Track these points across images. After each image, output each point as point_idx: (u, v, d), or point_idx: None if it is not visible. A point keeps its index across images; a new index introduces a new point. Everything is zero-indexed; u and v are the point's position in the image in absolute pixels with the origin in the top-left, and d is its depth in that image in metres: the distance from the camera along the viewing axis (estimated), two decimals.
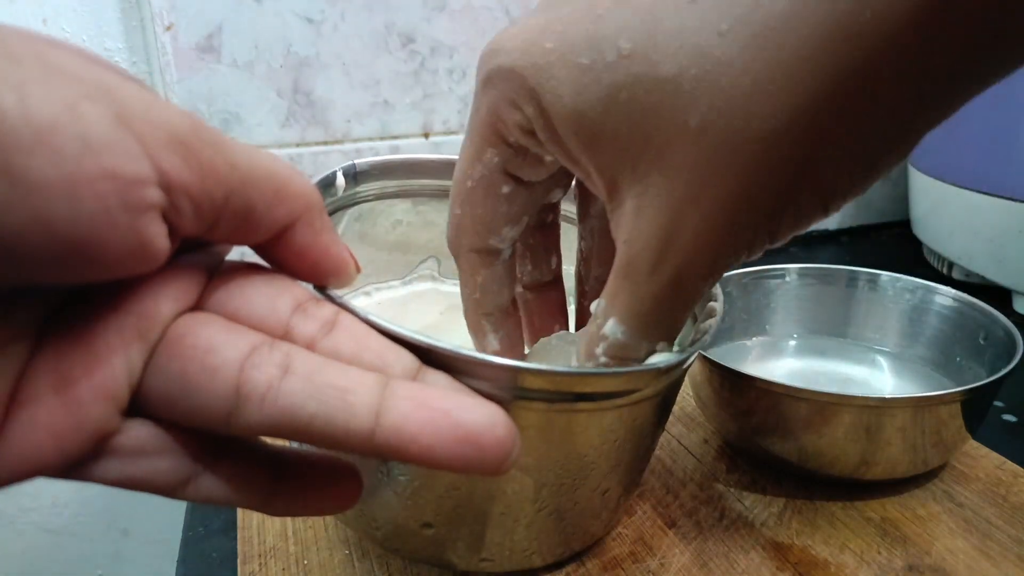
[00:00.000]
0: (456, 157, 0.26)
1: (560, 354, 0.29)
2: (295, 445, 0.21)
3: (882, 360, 0.43)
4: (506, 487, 0.25)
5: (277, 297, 0.19)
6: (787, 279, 0.45)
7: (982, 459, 0.38)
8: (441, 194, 0.36)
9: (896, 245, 0.73)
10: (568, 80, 0.21)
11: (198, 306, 0.19)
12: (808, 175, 0.20)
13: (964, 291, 0.41)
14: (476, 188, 0.25)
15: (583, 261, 0.31)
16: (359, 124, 0.59)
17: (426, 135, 0.62)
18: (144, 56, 0.59)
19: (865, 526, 0.34)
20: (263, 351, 0.17)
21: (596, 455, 0.26)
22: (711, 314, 0.29)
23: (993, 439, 0.39)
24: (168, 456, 0.18)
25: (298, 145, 0.58)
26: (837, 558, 0.32)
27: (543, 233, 0.30)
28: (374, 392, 0.17)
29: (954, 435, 0.34)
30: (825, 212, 0.21)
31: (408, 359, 0.20)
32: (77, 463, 0.17)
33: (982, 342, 0.39)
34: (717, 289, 0.31)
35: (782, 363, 0.44)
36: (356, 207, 0.34)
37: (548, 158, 0.24)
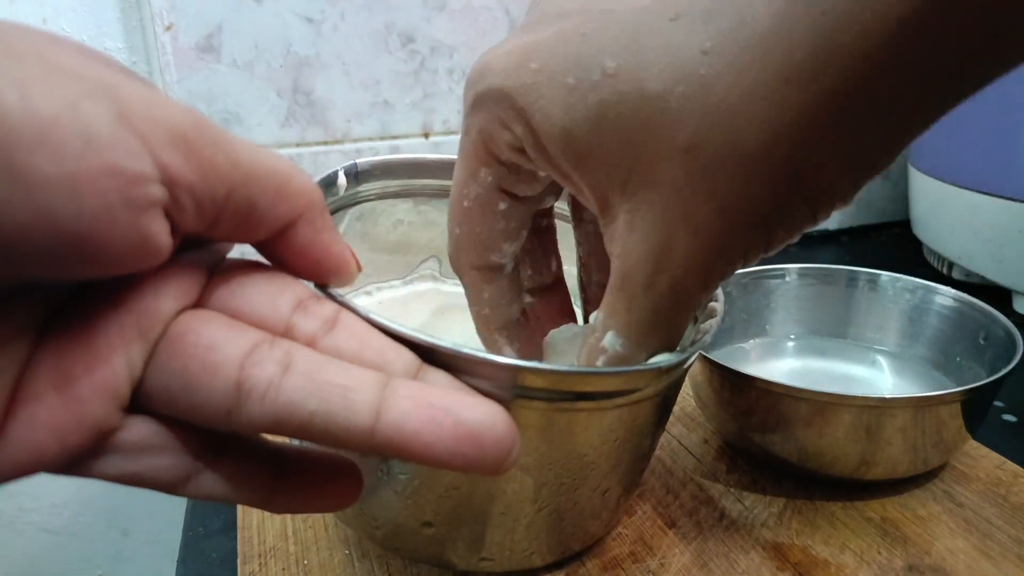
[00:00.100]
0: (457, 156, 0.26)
1: (572, 346, 0.29)
2: (295, 443, 0.21)
3: (882, 360, 0.43)
4: (506, 486, 0.25)
5: (278, 295, 0.19)
6: (787, 279, 0.45)
7: (982, 459, 0.38)
8: (442, 194, 0.36)
9: (896, 245, 0.73)
10: (555, 100, 0.21)
11: (199, 304, 0.19)
12: (799, 186, 0.20)
13: (964, 291, 0.41)
14: (472, 207, 0.26)
15: (583, 267, 0.31)
16: (359, 124, 0.59)
17: (426, 135, 0.62)
18: (144, 56, 0.59)
19: (865, 526, 0.34)
20: (264, 348, 0.18)
21: (596, 455, 0.26)
22: (711, 314, 0.29)
23: (993, 439, 0.39)
24: (169, 453, 0.18)
25: (298, 145, 0.58)
26: (837, 558, 0.32)
27: (539, 238, 0.30)
28: (375, 390, 0.17)
29: (954, 435, 0.34)
30: (815, 220, 0.21)
31: (409, 358, 0.20)
32: (78, 459, 0.17)
33: (982, 342, 0.39)
34: (717, 289, 0.31)
35: (782, 363, 0.44)
36: (357, 206, 0.34)
37: (542, 173, 0.24)
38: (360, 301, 0.36)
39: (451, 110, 0.62)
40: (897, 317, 0.43)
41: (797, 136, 0.19)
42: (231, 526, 0.35)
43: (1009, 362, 0.35)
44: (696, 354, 0.27)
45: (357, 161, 0.32)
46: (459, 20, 0.59)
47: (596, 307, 0.25)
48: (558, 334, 0.29)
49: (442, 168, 0.35)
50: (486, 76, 0.23)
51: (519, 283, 0.29)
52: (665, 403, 0.28)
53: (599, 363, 0.24)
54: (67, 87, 0.14)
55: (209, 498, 0.19)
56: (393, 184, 0.35)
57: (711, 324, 0.28)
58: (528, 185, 0.25)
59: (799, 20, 0.18)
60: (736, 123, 0.19)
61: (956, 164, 0.57)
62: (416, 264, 0.38)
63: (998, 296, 0.55)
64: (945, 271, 0.61)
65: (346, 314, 0.20)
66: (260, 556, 0.33)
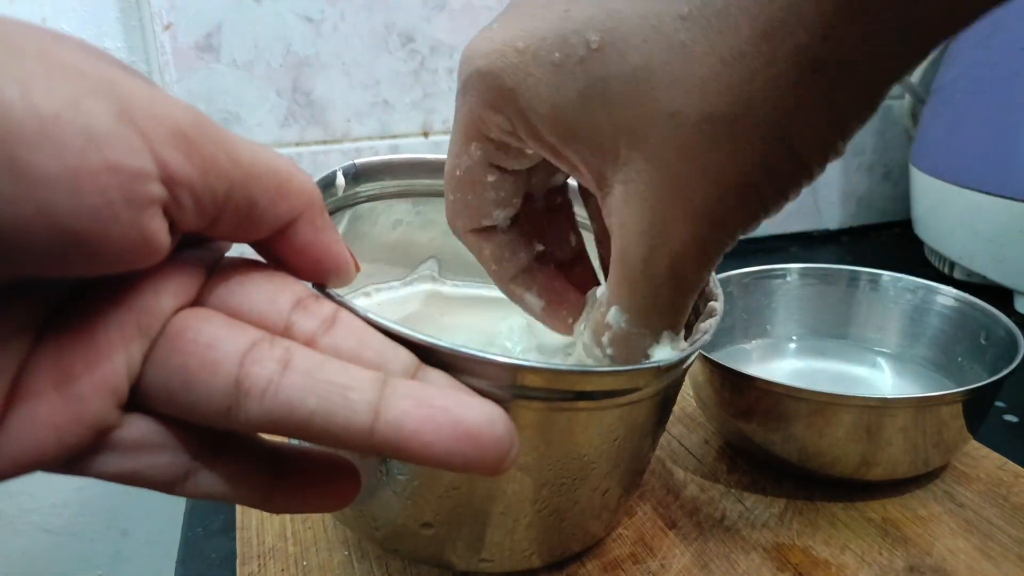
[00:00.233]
0: None
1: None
2: (293, 442, 0.21)
3: (883, 360, 0.43)
4: (506, 487, 0.25)
5: (277, 293, 0.19)
6: (788, 279, 0.45)
7: (983, 459, 0.38)
8: (441, 194, 0.36)
9: (897, 245, 0.72)
10: (543, 78, 0.22)
11: (198, 302, 0.19)
12: (786, 144, 0.20)
13: (965, 291, 0.41)
14: (464, 177, 0.26)
15: (598, 244, 0.31)
16: (359, 124, 0.59)
17: (426, 134, 0.61)
18: (143, 55, 0.59)
19: (866, 527, 0.33)
20: (263, 347, 0.18)
21: (596, 454, 0.26)
22: (711, 313, 0.29)
23: (994, 439, 0.39)
24: (167, 451, 0.18)
25: (298, 145, 0.58)
26: (838, 559, 0.32)
27: (555, 214, 0.30)
28: (374, 389, 0.17)
29: (955, 435, 0.34)
30: (809, 177, 0.21)
31: (407, 357, 0.20)
32: (76, 457, 0.17)
33: (983, 342, 0.39)
34: (718, 289, 0.31)
35: (783, 363, 0.44)
36: (356, 207, 0.34)
37: (529, 151, 0.25)
38: (359, 302, 0.36)
39: (451, 110, 0.62)
40: (898, 317, 0.43)
41: (778, 93, 0.19)
42: (230, 527, 0.35)
43: (1010, 362, 0.34)
44: (696, 353, 0.27)
45: (356, 161, 0.32)
46: (459, 20, 0.59)
47: None
48: (581, 321, 0.29)
49: (441, 168, 0.35)
50: (474, 60, 0.23)
51: (521, 236, 0.29)
52: (665, 403, 0.28)
53: (605, 339, 0.24)
54: (68, 84, 0.14)
55: (207, 497, 0.19)
56: (392, 184, 0.34)
57: (711, 324, 0.28)
58: (516, 160, 0.26)
59: None
60: (717, 86, 0.19)
61: (957, 164, 0.57)
62: (415, 265, 0.38)
63: (999, 296, 0.55)
64: (946, 271, 0.61)
65: (345, 313, 0.20)
66: (259, 557, 0.33)
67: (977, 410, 0.34)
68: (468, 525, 0.27)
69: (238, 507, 0.36)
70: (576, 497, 0.27)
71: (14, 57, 0.14)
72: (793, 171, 0.21)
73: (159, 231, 0.16)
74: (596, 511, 0.29)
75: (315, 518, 0.35)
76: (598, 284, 0.31)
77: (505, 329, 0.33)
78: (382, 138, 0.60)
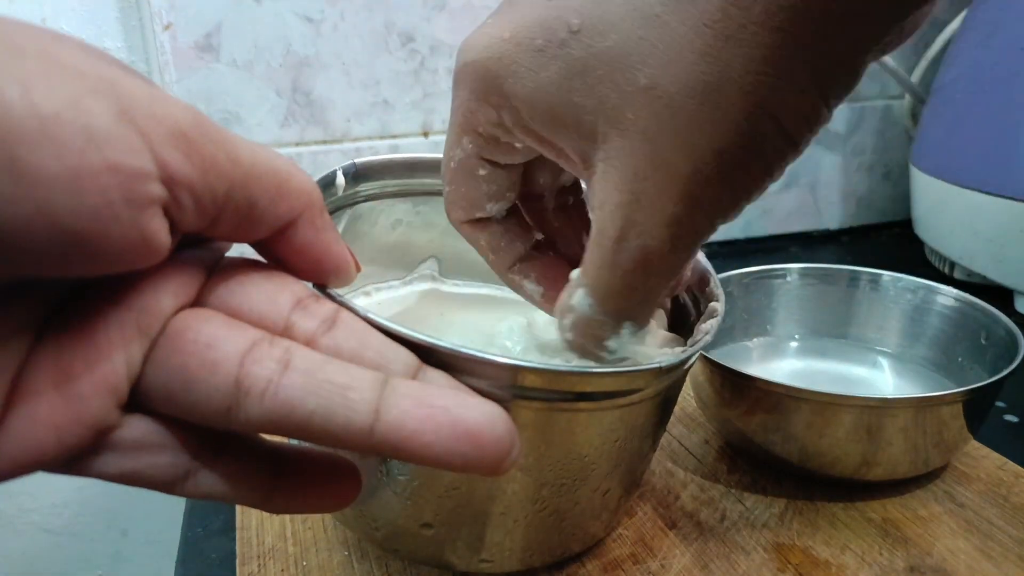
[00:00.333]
0: None
1: None
2: (293, 442, 0.21)
3: (883, 360, 0.43)
4: (506, 487, 0.25)
5: (277, 293, 0.19)
6: (788, 279, 0.45)
7: (983, 460, 0.38)
8: (441, 193, 0.36)
9: (897, 245, 0.72)
10: (526, 64, 0.22)
11: (198, 302, 0.19)
12: (768, 113, 0.19)
13: (966, 291, 0.41)
14: (458, 169, 0.26)
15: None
16: (359, 123, 0.59)
17: (425, 134, 0.61)
18: (143, 55, 0.59)
19: (866, 527, 0.33)
20: (263, 346, 0.18)
21: (597, 455, 0.26)
22: (712, 314, 0.29)
23: (995, 440, 0.39)
24: (167, 451, 0.18)
25: (297, 144, 0.58)
26: (838, 559, 0.32)
27: (566, 214, 0.30)
28: (374, 389, 0.17)
29: (955, 435, 0.34)
30: (796, 149, 0.20)
31: (408, 357, 0.20)
32: (76, 457, 0.17)
33: (984, 342, 0.39)
34: (719, 289, 0.31)
35: (783, 363, 0.44)
36: (356, 206, 0.34)
37: (519, 145, 0.25)
38: (359, 301, 0.36)
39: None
40: (898, 317, 0.43)
41: (754, 60, 0.19)
42: (230, 527, 0.35)
43: (1011, 362, 0.34)
44: (697, 354, 0.27)
45: (355, 161, 0.32)
46: (459, 19, 0.59)
47: None
48: None
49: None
50: (464, 53, 0.23)
51: (517, 226, 0.29)
52: (666, 403, 0.28)
53: (566, 320, 0.24)
54: (68, 84, 0.14)
55: (207, 497, 0.19)
56: (392, 184, 0.34)
57: (712, 324, 0.28)
58: (507, 155, 0.26)
59: None
60: (692, 55, 0.19)
61: (958, 164, 0.57)
62: (415, 264, 0.38)
63: (999, 296, 0.55)
64: (946, 271, 0.61)
65: (345, 313, 0.20)
66: (259, 557, 0.33)
67: (977, 410, 0.34)
68: (468, 525, 0.27)
69: (238, 507, 0.36)
70: (576, 498, 0.27)
71: (14, 57, 0.14)
72: (778, 144, 0.20)
73: (159, 231, 0.16)
74: (596, 511, 0.29)
75: (315, 518, 0.35)
76: None
77: (505, 329, 0.33)
78: (382, 138, 0.60)
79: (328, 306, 0.20)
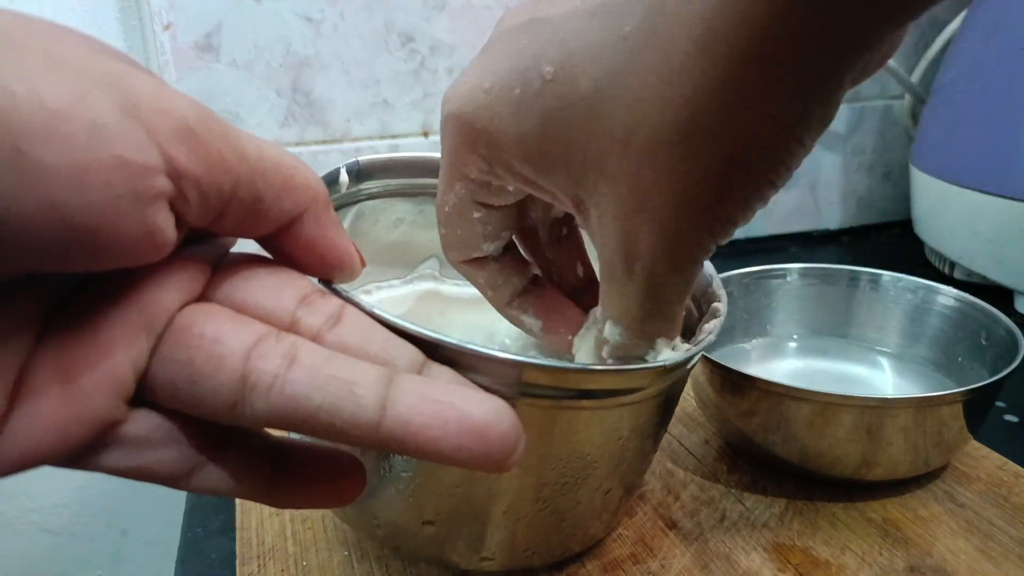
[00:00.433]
0: None
1: (584, 340, 0.29)
2: (297, 438, 0.21)
3: (883, 360, 0.43)
4: (508, 485, 0.25)
5: (283, 289, 0.19)
6: (788, 279, 0.45)
7: (983, 460, 0.38)
8: None
9: (898, 245, 0.72)
10: (506, 114, 0.22)
11: (203, 297, 0.19)
12: (738, 157, 0.19)
13: (966, 291, 0.41)
14: (452, 213, 0.27)
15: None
16: (358, 123, 0.59)
17: (425, 134, 0.61)
18: (143, 55, 0.59)
19: (866, 527, 0.33)
20: (269, 341, 0.18)
21: (599, 454, 0.26)
22: (715, 314, 0.29)
23: (995, 440, 0.39)
24: (173, 446, 0.18)
25: (297, 144, 0.58)
26: (838, 559, 0.32)
27: (561, 245, 0.30)
28: (380, 385, 0.17)
29: (955, 435, 0.34)
30: (773, 187, 0.20)
31: (413, 353, 0.20)
32: (81, 453, 0.17)
33: (984, 342, 0.39)
34: (721, 290, 0.31)
35: (783, 363, 0.44)
36: (359, 205, 0.34)
37: (511, 187, 0.25)
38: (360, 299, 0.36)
39: None
40: (898, 317, 0.43)
41: (721, 104, 0.19)
42: (230, 527, 0.35)
43: (1011, 362, 0.34)
44: (700, 354, 0.27)
45: (359, 159, 0.32)
46: (459, 19, 0.59)
47: None
48: (578, 337, 0.29)
49: None
50: (448, 104, 0.24)
51: (513, 263, 0.29)
52: (668, 403, 0.28)
53: (604, 353, 0.25)
54: (74, 78, 0.14)
55: (212, 492, 0.19)
56: (395, 183, 0.34)
57: (715, 324, 0.28)
58: (500, 197, 0.26)
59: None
60: (660, 104, 0.19)
61: (958, 164, 0.57)
62: (416, 263, 0.38)
63: (1000, 296, 0.55)
64: (947, 271, 0.61)
65: (351, 309, 0.20)
66: (259, 557, 0.32)
67: (977, 410, 0.34)
68: (469, 524, 0.27)
69: (238, 507, 0.36)
70: (578, 497, 0.27)
71: (19, 51, 0.14)
72: (757, 182, 0.20)
73: (165, 226, 0.16)
74: (597, 511, 0.28)
75: (315, 518, 0.35)
76: None
77: (505, 328, 0.33)
78: (382, 138, 0.60)
79: (333, 302, 0.20)
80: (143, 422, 0.18)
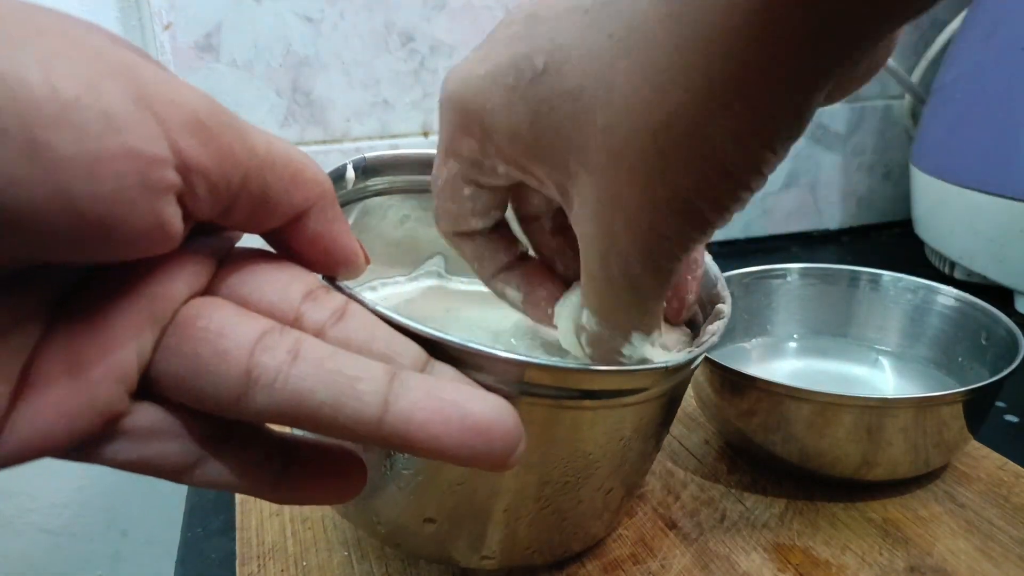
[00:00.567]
0: None
1: (564, 308, 0.29)
2: (300, 433, 0.21)
3: (884, 360, 0.43)
4: (510, 484, 0.25)
5: (288, 284, 0.19)
6: (788, 279, 0.45)
7: (984, 460, 0.38)
8: None
9: (898, 245, 0.72)
10: (500, 102, 0.23)
11: (209, 290, 0.19)
12: (715, 159, 0.20)
13: (966, 291, 0.41)
14: (444, 187, 0.27)
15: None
16: (359, 123, 0.59)
17: (425, 134, 0.61)
18: None
19: (867, 527, 0.33)
20: (273, 336, 0.18)
21: (601, 454, 0.26)
22: (719, 316, 0.29)
23: (995, 440, 0.39)
24: (176, 439, 0.18)
25: (297, 144, 0.58)
26: (839, 559, 0.32)
27: (564, 234, 0.30)
28: (383, 381, 0.18)
29: (956, 436, 0.34)
30: (749, 191, 0.20)
31: (416, 351, 0.20)
32: (86, 444, 0.17)
33: (984, 342, 0.39)
34: (725, 291, 0.31)
35: (783, 363, 0.44)
36: (364, 201, 0.34)
37: (500, 170, 0.25)
38: (365, 296, 0.36)
39: None
40: (899, 317, 0.43)
41: (697, 108, 0.19)
42: (230, 527, 0.35)
43: (1011, 362, 0.34)
44: (703, 355, 0.27)
45: (365, 155, 0.32)
46: (459, 19, 0.59)
47: None
48: (559, 304, 0.29)
49: None
50: (446, 86, 0.25)
51: (500, 239, 0.29)
52: (671, 404, 0.28)
53: (582, 339, 0.25)
54: (88, 67, 0.14)
55: (214, 486, 0.19)
56: (400, 179, 0.34)
57: (718, 326, 0.28)
58: (490, 178, 0.26)
59: (687, 5, 0.18)
60: (641, 100, 0.19)
61: (958, 164, 0.57)
62: (422, 260, 0.38)
63: (1000, 296, 0.55)
64: (947, 271, 0.61)
65: (355, 306, 0.20)
66: (259, 557, 0.33)
67: (978, 410, 0.34)
68: (471, 522, 0.27)
69: (238, 507, 0.36)
70: (579, 496, 0.27)
71: (34, 39, 0.14)
72: (729, 187, 0.20)
73: (173, 218, 0.16)
74: (598, 511, 0.29)
75: (315, 518, 0.35)
76: None
77: (510, 327, 0.33)
78: (382, 138, 0.60)
79: (338, 298, 0.20)
80: (147, 414, 0.18)
